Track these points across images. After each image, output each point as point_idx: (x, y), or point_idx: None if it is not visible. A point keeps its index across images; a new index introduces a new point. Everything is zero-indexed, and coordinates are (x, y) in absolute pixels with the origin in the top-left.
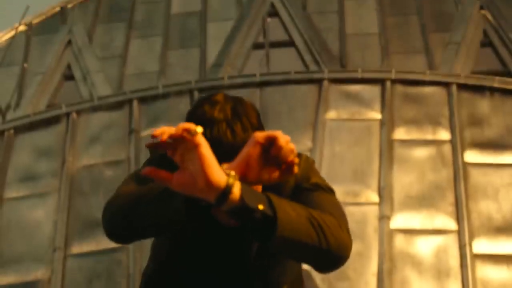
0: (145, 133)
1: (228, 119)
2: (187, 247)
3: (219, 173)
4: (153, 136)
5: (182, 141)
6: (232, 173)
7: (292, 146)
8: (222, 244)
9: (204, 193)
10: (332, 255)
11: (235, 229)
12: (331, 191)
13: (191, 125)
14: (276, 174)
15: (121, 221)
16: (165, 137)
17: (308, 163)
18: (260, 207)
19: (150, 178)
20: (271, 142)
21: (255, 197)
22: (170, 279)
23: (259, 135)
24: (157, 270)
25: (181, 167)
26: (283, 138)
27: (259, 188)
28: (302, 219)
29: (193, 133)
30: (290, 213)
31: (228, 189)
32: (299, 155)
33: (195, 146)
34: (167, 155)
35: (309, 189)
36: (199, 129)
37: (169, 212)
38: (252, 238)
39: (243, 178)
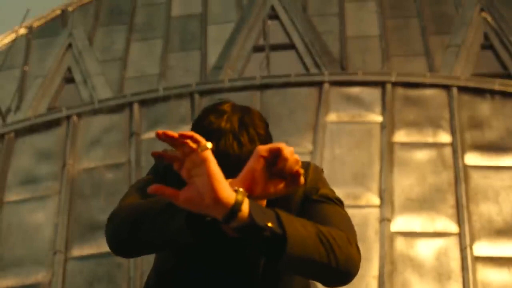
0: (146, 136)
1: (235, 130)
2: (191, 260)
3: (228, 190)
4: (158, 135)
5: (189, 153)
6: (241, 189)
7: (296, 157)
8: (228, 257)
9: (212, 210)
10: (341, 272)
11: (240, 242)
12: (340, 203)
13: (202, 139)
14: (282, 186)
15: (125, 238)
16: (174, 134)
17: (317, 173)
18: (269, 224)
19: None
20: (275, 155)
21: (264, 214)
22: None
23: (262, 148)
24: (160, 283)
25: (188, 183)
26: (287, 150)
27: (263, 202)
28: (312, 236)
29: (202, 148)
30: (299, 230)
31: (237, 206)
32: (308, 164)
33: (203, 161)
34: (173, 168)
35: (318, 201)
36: (209, 144)
37: (172, 230)
38: (261, 255)
39: (249, 193)
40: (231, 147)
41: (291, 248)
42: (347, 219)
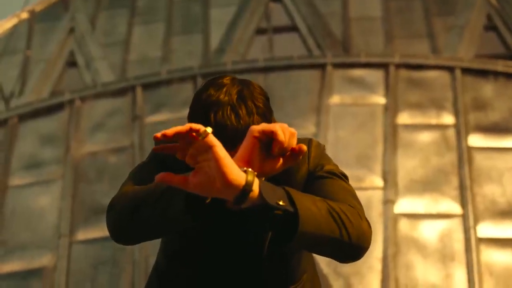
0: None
1: (233, 102)
2: (197, 241)
3: (238, 172)
4: (156, 138)
5: (191, 142)
6: (250, 169)
7: (292, 130)
8: (232, 237)
9: (223, 193)
10: (353, 246)
11: (244, 221)
12: (345, 178)
13: (199, 126)
14: (279, 163)
15: (125, 225)
16: (170, 133)
17: (319, 149)
18: (281, 203)
19: (155, 173)
20: (269, 136)
21: (274, 193)
22: (183, 273)
23: (255, 129)
24: (169, 265)
25: (195, 168)
26: (281, 130)
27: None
28: (323, 212)
29: (203, 135)
30: (311, 207)
31: (247, 187)
32: (310, 141)
33: (209, 148)
34: (177, 157)
35: (324, 177)
36: (209, 129)
37: (172, 215)
38: (273, 235)
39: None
40: (228, 119)
41: (303, 226)
42: (354, 194)
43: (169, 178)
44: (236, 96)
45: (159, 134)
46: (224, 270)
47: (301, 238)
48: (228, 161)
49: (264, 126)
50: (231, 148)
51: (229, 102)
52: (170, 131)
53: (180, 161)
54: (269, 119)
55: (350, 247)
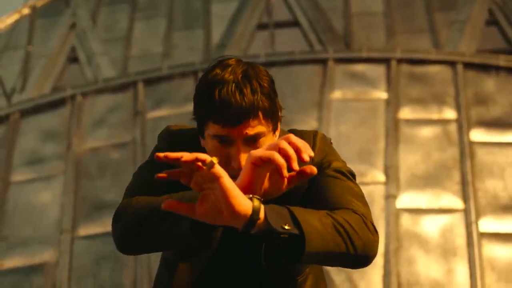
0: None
1: (238, 80)
2: (201, 257)
3: (245, 202)
4: (157, 158)
5: (197, 170)
6: (256, 197)
7: (299, 144)
8: (237, 254)
9: (230, 222)
10: (360, 257)
11: (250, 240)
12: (352, 176)
13: (205, 156)
14: (284, 184)
15: (131, 241)
16: (173, 157)
17: (325, 142)
18: (286, 227)
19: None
20: (268, 162)
21: (279, 216)
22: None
23: (254, 156)
24: (178, 261)
25: (201, 196)
26: (281, 153)
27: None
28: (328, 229)
29: (209, 165)
30: (316, 226)
31: (255, 216)
32: (315, 133)
33: (215, 179)
34: (181, 182)
35: (330, 176)
36: (215, 159)
37: (177, 236)
38: (280, 257)
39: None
40: (233, 95)
41: (310, 247)
42: (361, 196)
43: (176, 207)
44: (241, 75)
45: (161, 155)
46: (228, 272)
47: (308, 258)
48: (235, 192)
49: (261, 153)
50: (234, 126)
51: (234, 80)
52: (173, 155)
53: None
54: (273, 99)
55: (357, 258)
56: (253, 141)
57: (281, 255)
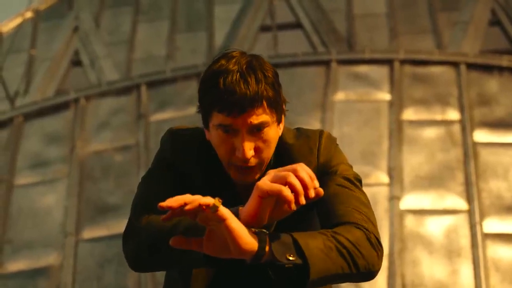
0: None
1: (242, 70)
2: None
3: (250, 241)
4: (161, 208)
5: (201, 212)
6: (263, 231)
7: (307, 179)
8: (244, 272)
9: (238, 257)
10: (364, 274)
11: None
12: (359, 182)
13: (208, 200)
14: (289, 209)
15: (143, 262)
16: (176, 205)
17: (330, 142)
18: (290, 258)
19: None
20: (276, 195)
21: (283, 247)
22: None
23: (261, 188)
24: (185, 279)
25: (208, 231)
26: (289, 187)
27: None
28: (332, 254)
29: (213, 209)
30: (319, 254)
31: (261, 251)
32: (321, 132)
33: (221, 221)
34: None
35: (338, 185)
36: (218, 202)
37: (190, 260)
38: (286, 285)
39: (255, 223)
40: (237, 84)
41: (314, 274)
42: (366, 205)
43: (184, 245)
44: (245, 66)
45: (164, 204)
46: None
47: (312, 284)
48: (240, 232)
49: (269, 187)
50: (238, 114)
51: (238, 70)
52: (176, 203)
53: (191, 165)
54: (277, 90)
55: (360, 276)
56: (257, 131)
57: (287, 278)
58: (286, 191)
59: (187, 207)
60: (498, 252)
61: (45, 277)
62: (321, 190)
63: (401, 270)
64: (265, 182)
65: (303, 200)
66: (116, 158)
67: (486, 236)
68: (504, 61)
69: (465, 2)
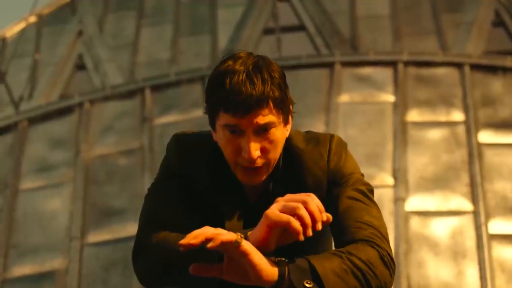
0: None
1: (249, 70)
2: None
3: (272, 272)
4: (182, 246)
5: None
6: (282, 260)
7: (316, 213)
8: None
9: (257, 284)
10: None
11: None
12: (371, 193)
13: (230, 237)
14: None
15: (154, 281)
16: (197, 243)
17: (341, 147)
18: (307, 285)
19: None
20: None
21: (301, 273)
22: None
23: (270, 218)
24: None
25: (227, 259)
26: (303, 218)
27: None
28: (347, 277)
29: (236, 245)
30: (335, 279)
31: (281, 280)
32: (331, 137)
33: (243, 256)
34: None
35: (350, 198)
36: (240, 237)
37: (205, 283)
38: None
39: (263, 249)
40: (243, 84)
41: None
42: (378, 218)
43: (203, 272)
44: (252, 66)
45: (184, 242)
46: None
47: None
48: (263, 264)
49: (277, 218)
50: (244, 114)
51: (244, 70)
52: (197, 240)
53: (197, 168)
54: (284, 91)
55: None
56: (263, 131)
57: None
58: (295, 223)
59: (209, 245)
60: (503, 253)
61: (51, 281)
62: (330, 218)
63: (407, 272)
64: (274, 212)
65: (310, 233)
66: (121, 161)
67: (492, 237)
68: (508, 61)
69: (468, 3)
